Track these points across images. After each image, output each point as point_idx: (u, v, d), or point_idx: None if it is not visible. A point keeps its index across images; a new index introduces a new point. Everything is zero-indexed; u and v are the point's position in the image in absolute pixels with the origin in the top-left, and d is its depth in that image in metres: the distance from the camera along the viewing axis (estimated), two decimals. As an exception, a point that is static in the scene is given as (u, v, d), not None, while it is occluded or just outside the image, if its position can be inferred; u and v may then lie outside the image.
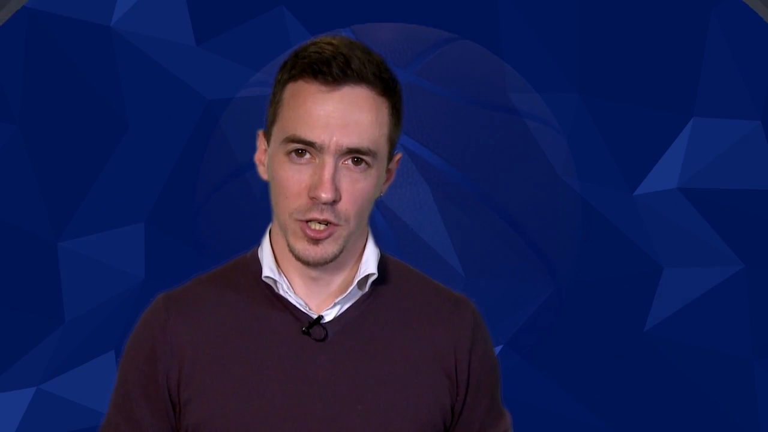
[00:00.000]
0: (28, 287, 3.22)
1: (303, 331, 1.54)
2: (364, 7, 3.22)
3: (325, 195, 1.47)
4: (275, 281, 1.55)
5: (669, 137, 3.19)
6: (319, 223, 1.49)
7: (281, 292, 1.56)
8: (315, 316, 1.54)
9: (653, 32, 3.23)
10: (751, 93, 3.16)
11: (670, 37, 3.21)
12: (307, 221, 1.49)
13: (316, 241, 1.50)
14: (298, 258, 1.52)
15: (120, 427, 1.58)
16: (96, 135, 3.22)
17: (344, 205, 1.49)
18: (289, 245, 1.52)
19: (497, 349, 2.97)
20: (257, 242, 1.62)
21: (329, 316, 1.55)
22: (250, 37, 3.32)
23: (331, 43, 1.51)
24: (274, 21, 3.33)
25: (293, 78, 1.52)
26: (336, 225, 1.50)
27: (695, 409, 3.17)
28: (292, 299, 1.55)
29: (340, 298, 1.55)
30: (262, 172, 1.58)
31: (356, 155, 1.49)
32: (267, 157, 1.56)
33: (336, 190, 1.48)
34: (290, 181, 1.50)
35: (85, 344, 3.19)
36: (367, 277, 1.56)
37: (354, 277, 1.56)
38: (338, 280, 1.57)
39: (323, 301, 1.56)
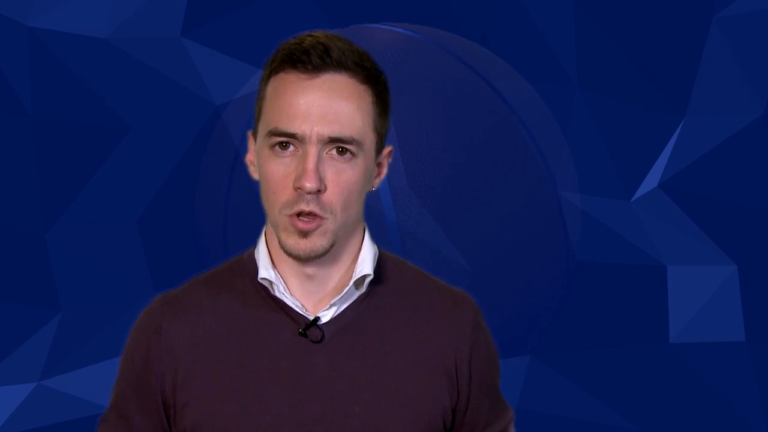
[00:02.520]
0: (17, 278, 3.24)
1: (299, 333, 1.52)
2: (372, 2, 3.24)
3: (309, 184, 1.46)
4: (271, 283, 1.54)
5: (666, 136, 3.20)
6: (306, 215, 1.48)
7: (277, 294, 1.54)
8: (311, 318, 1.53)
9: (653, 32, 3.22)
10: (753, 91, 3.16)
11: (669, 37, 3.21)
12: (297, 215, 1.48)
13: (305, 234, 1.48)
14: (289, 254, 1.51)
15: (111, 422, 1.60)
16: (96, 139, 3.24)
17: (329, 196, 1.48)
18: (280, 242, 1.51)
19: (525, 360, 2.93)
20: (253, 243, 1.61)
21: (326, 317, 1.54)
22: (252, 33, 3.32)
23: (311, 35, 1.51)
24: (280, 14, 3.33)
25: (275, 71, 1.52)
26: (322, 218, 1.48)
27: (703, 401, 3.19)
28: (288, 301, 1.54)
29: (336, 299, 1.54)
30: (253, 172, 1.57)
31: (339, 144, 1.48)
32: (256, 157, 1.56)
33: (320, 180, 1.47)
34: (276, 175, 1.49)
35: (92, 345, 3.21)
36: (364, 277, 1.55)
37: (350, 277, 1.55)
38: (334, 278, 1.55)
39: (320, 301, 1.55)
